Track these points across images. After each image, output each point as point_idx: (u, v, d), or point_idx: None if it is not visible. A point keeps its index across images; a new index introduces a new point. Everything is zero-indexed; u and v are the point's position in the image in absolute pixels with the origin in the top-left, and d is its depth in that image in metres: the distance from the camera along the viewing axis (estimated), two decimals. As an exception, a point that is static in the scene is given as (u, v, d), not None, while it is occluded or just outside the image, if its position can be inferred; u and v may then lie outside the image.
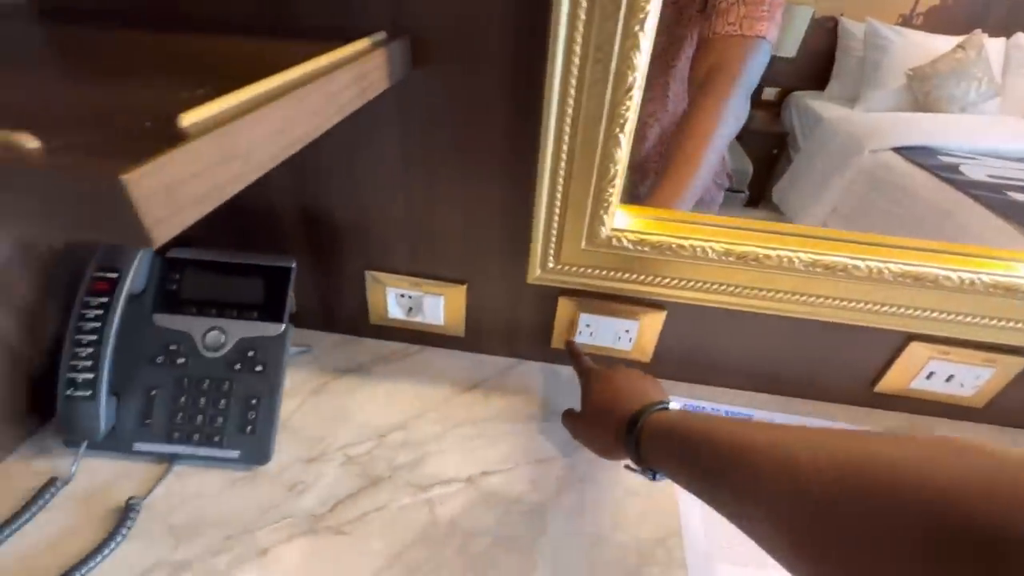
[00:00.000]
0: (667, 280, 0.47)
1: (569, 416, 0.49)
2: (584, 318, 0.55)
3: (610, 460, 0.44)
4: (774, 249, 0.43)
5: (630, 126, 0.38)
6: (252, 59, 0.32)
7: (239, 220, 0.54)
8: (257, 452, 0.47)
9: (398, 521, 0.44)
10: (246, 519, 0.44)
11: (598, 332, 0.56)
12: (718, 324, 0.54)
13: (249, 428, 0.47)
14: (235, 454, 0.47)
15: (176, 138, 0.19)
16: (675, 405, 0.57)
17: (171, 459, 0.47)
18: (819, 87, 1.16)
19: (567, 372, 0.58)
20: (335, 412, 0.54)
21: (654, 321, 0.55)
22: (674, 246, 0.44)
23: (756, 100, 1.04)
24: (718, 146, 0.59)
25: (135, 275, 0.47)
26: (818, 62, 1.14)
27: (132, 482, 0.46)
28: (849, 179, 1.06)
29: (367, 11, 0.40)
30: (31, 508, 0.43)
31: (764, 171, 1.10)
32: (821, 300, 0.47)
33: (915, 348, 0.51)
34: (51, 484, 0.45)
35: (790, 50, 0.99)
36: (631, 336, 0.56)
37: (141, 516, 0.43)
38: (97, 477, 0.46)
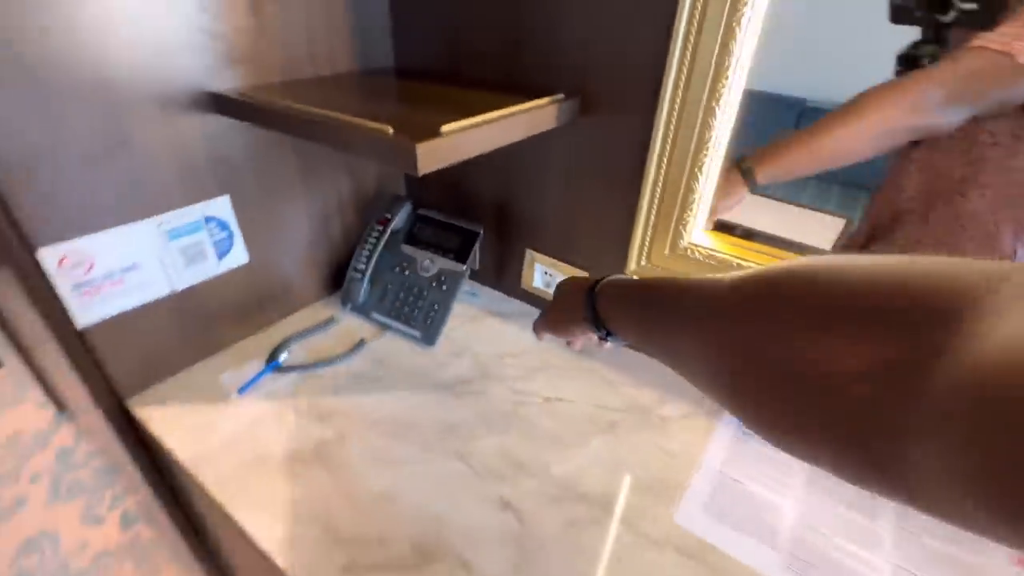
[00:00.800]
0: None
1: (538, 317, 0.53)
2: (671, 318, 0.70)
3: (569, 337, 0.48)
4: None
5: (707, 168, 0.54)
6: (483, 103, 0.59)
7: (459, 197, 0.84)
8: (429, 337, 0.76)
9: (492, 404, 0.67)
10: (414, 370, 0.72)
11: (680, 333, 0.70)
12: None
13: (429, 321, 0.76)
14: (418, 334, 0.76)
15: (437, 135, 0.45)
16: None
17: (386, 327, 0.79)
18: None
19: (649, 361, 0.73)
20: (479, 334, 0.80)
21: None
22: (735, 264, 0.57)
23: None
24: (878, 121, 0.57)
25: (399, 219, 0.81)
26: None
27: (365, 332, 0.78)
28: None
29: (562, 79, 0.64)
30: (320, 329, 0.78)
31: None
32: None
33: None
34: (330, 320, 0.80)
35: None
36: (708, 344, 0.68)
37: (365, 349, 0.75)
38: (350, 325, 0.80)
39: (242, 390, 0.66)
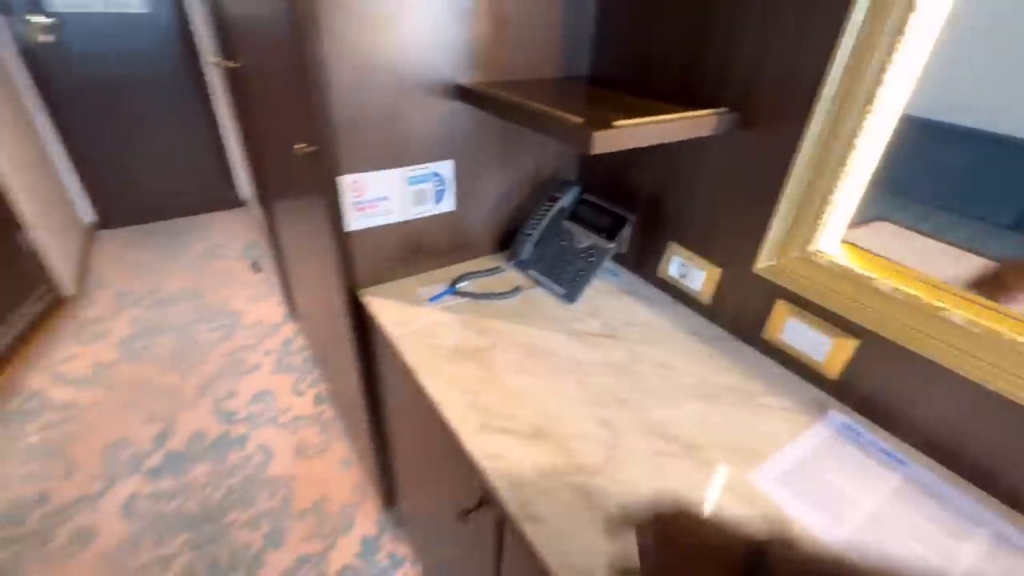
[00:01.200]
0: (852, 302, 0.64)
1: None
2: (791, 322, 0.75)
3: None
4: (937, 302, 0.55)
5: (844, 184, 0.61)
6: (654, 109, 0.73)
7: (619, 188, 0.99)
8: (572, 295, 0.92)
9: (612, 355, 0.80)
10: (554, 317, 0.89)
11: (797, 336, 0.75)
12: (913, 375, 0.64)
13: (574, 283, 0.93)
14: (563, 292, 0.93)
15: (610, 127, 0.61)
16: (834, 422, 0.71)
17: (538, 282, 0.98)
18: None
19: (761, 359, 0.79)
20: (612, 304, 0.93)
21: (845, 346, 0.70)
22: (850, 272, 0.62)
23: None
24: None
25: (567, 199, 0.99)
26: None
27: (521, 282, 0.98)
28: None
29: (728, 95, 0.75)
30: (488, 273, 1.00)
31: None
32: (997, 371, 0.54)
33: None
34: (496, 269, 1.02)
35: None
36: (825, 350, 0.72)
37: (519, 294, 0.94)
38: (511, 275, 1.01)
39: (432, 300, 0.90)
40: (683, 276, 0.92)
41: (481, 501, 0.66)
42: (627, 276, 1.03)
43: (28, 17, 2.28)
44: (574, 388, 0.73)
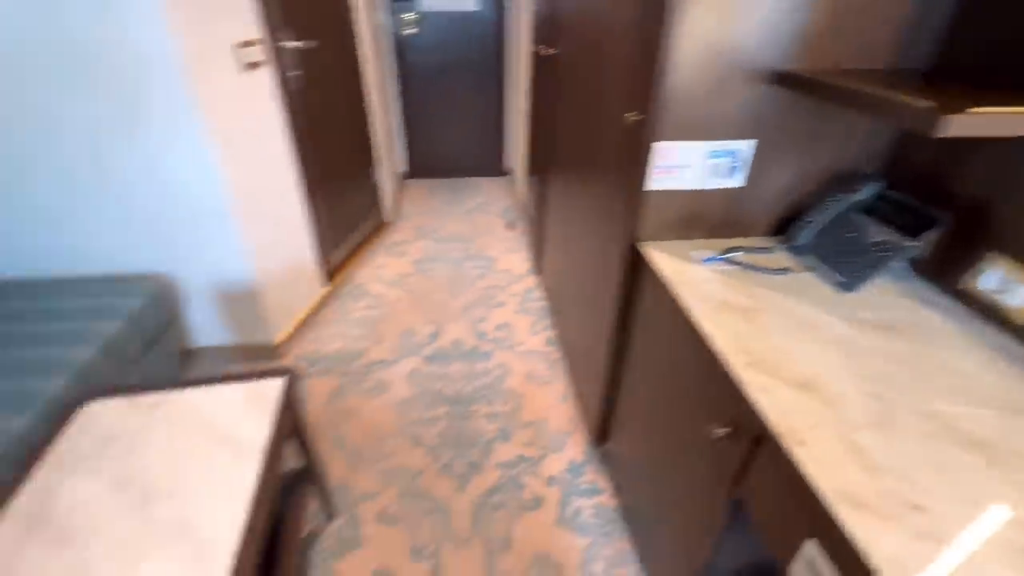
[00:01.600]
0: None
1: None
2: None
3: None
4: None
5: None
6: (1012, 101, 0.69)
7: (931, 187, 0.94)
8: (851, 284, 0.93)
9: (894, 344, 0.80)
10: (823, 300, 0.91)
11: None
12: None
13: (856, 273, 0.93)
14: (842, 280, 0.94)
15: (963, 112, 0.62)
16: None
17: (813, 268, 1.00)
18: None
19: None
20: (892, 302, 0.90)
21: None
22: None
23: None
24: None
25: (864, 193, 0.98)
26: None
27: (790, 264, 1.02)
28: None
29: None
30: (759, 251, 1.06)
31: None
32: None
33: None
34: (767, 248, 1.07)
35: None
36: None
37: (788, 275, 0.98)
38: (781, 256, 1.05)
39: (705, 261, 1.01)
40: (1000, 291, 0.84)
41: (735, 427, 0.76)
42: (915, 280, 0.97)
43: (402, 16, 3.06)
44: (843, 363, 0.77)
